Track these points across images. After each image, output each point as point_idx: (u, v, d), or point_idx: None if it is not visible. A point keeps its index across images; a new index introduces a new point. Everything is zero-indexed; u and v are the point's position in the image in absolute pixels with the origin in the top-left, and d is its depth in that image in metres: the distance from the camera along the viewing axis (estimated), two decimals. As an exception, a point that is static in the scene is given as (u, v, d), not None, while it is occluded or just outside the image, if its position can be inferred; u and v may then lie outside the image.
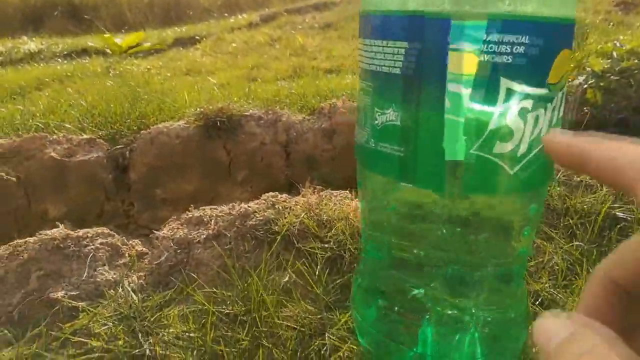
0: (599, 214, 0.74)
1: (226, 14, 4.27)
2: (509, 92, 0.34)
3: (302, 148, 1.27)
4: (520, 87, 0.34)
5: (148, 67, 2.38)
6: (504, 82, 0.33)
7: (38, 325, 0.67)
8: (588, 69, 1.28)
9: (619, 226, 0.73)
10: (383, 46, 0.38)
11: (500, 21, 0.32)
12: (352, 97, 1.35)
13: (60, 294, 0.70)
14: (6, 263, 0.76)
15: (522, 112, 0.35)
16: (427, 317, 0.49)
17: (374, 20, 0.39)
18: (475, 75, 0.33)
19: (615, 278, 0.20)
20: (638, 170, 0.18)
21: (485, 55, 0.33)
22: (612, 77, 1.23)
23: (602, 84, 1.24)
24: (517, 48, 0.33)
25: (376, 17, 0.38)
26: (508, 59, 0.33)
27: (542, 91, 0.35)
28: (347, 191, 0.88)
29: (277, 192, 0.87)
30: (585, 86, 1.25)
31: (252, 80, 1.81)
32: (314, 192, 0.85)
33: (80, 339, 0.64)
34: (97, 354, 0.63)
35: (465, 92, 0.34)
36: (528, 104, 0.35)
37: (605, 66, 1.24)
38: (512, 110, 0.34)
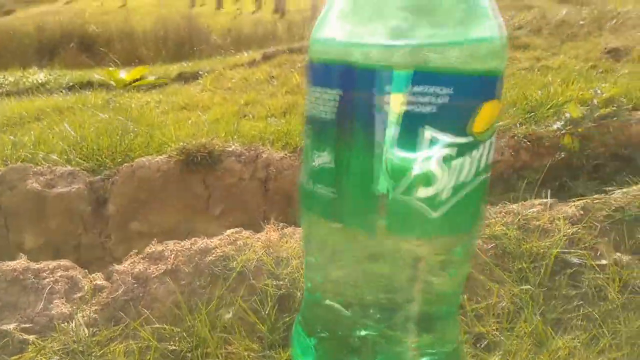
0: (551, 257, 0.73)
1: (233, 51, 4.37)
2: (432, 140, 0.35)
3: (281, 185, 1.28)
4: (442, 136, 0.35)
5: (147, 100, 2.43)
6: (427, 130, 0.35)
7: (-15, 356, 0.67)
8: (567, 114, 1.29)
9: (570, 271, 0.73)
10: (321, 92, 0.40)
11: (422, 73, 0.33)
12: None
13: (12, 325, 0.71)
14: (-35, 292, 0.77)
15: (446, 159, 0.36)
16: (364, 356, 0.49)
17: (315, 69, 0.41)
18: (400, 123, 0.35)
19: None
20: None
21: (410, 105, 0.34)
22: (590, 123, 1.24)
23: (579, 130, 1.25)
24: (440, 98, 0.34)
25: (318, 65, 0.41)
26: (431, 109, 0.34)
27: (466, 139, 0.36)
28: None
29: (241, 228, 0.88)
30: (563, 132, 1.26)
31: (243, 117, 1.84)
32: (276, 229, 0.86)
33: (25, 372, 0.65)
34: (40, 388, 0.63)
35: (391, 138, 0.35)
36: (452, 151, 0.36)
37: (584, 113, 1.25)
38: (435, 157, 0.36)
